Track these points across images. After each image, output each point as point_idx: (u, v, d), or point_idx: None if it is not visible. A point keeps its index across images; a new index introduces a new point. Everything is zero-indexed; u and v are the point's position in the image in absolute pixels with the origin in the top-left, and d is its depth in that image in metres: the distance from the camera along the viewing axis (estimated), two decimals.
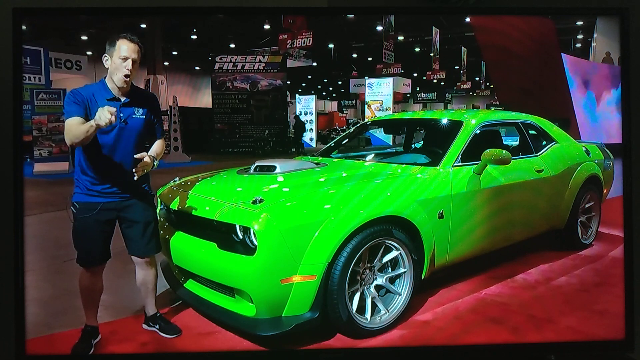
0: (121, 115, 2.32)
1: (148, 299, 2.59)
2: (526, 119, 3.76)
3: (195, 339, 2.53)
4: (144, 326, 2.62)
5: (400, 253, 2.59)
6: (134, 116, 2.36)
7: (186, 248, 2.64)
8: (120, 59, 2.25)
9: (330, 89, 26.58)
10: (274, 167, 2.97)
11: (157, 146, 2.49)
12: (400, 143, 4.57)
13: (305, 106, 16.01)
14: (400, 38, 16.42)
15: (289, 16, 12.75)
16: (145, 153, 2.32)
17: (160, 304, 2.68)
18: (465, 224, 2.90)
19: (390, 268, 2.62)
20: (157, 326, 2.58)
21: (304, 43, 13.35)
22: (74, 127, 2.19)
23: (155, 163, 2.39)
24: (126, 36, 2.27)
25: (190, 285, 2.71)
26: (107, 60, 2.30)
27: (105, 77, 2.35)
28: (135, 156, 2.29)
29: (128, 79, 2.29)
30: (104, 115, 2.05)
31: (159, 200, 3.03)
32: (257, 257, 2.22)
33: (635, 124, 2.71)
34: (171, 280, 2.87)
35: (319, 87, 25.30)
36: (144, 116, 2.40)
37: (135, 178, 2.29)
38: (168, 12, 4.04)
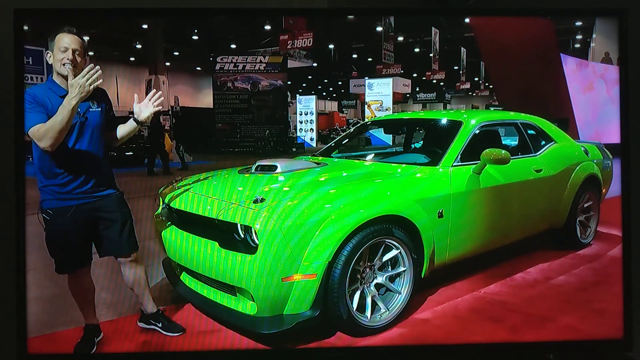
0: (79, 110, 2.25)
1: (144, 297, 2.55)
2: (525, 119, 3.77)
3: (196, 337, 2.54)
4: (140, 324, 2.61)
5: (400, 252, 2.60)
6: (91, 110, 2.33)
7: (187, 247, 2.65)
8: (61, 50, 2.23)
9: (331, 89, 26.59)
10: (275, 167, 2.98)
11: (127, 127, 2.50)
12: (400, 143, 4.58)
13: (306, 106, 16.01)
14: (400, 39, 16.44)
15: (289, 17, 12.76)
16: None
17: (160, 302, 2.68)
18: (464, 223, 2.92)
19: (390, 267, 2.64)
20: (160, 324, 2.57)
21: (304, 44, 13.36)
22: (47, 127, 2.14)
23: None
24: (65, 29, 2.26)
25: (192, 283, 2.72)
26: (50, 56, 2.27)
27: (52, 75, 2.31)
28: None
29: (72, 67, 2.21)
30: (78, 81, 2.09)
31: (160, 199, 3.05)
32: (258, 256, 2.24)
33: (634, 124, 2.72)
34: (172, 278, 2.89)
35: (319, 87, 25.31)
36: (100, 108, 2.37)
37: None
38: (169, 13, 4.06)
